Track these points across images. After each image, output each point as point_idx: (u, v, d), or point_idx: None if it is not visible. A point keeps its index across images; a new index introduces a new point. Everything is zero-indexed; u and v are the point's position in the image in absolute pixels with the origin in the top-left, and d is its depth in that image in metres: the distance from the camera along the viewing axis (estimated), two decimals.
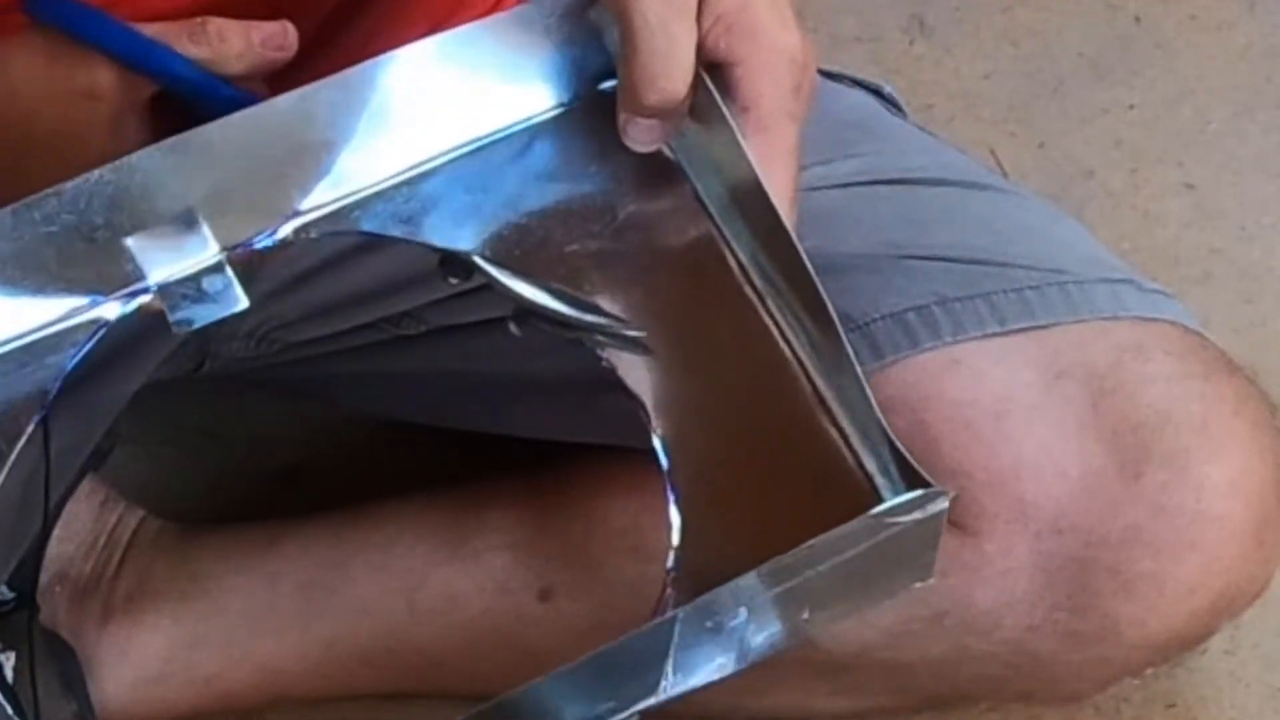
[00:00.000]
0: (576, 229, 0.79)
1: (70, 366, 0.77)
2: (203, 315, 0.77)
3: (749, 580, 0.71)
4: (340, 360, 1.03)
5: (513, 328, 0.81)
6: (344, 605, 1.03)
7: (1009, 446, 0.91)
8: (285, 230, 0.78)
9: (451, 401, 1.05)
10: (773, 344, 0.78)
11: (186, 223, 0.76)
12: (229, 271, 0.77)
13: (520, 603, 1.00)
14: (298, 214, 0.78)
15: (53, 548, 1.05)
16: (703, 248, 0.79)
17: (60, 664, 1.03)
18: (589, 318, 0.78)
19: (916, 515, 0.73)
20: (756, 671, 0.98)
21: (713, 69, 0.78)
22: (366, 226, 0.79)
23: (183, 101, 0.81)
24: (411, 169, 0.79)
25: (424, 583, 1.02)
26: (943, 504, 0.73)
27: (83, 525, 1.07)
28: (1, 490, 0.76)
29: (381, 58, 0.77)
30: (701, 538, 0.75)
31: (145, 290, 0.77)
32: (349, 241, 0.96)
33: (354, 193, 0.79)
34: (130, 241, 0.75)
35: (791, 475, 0.77)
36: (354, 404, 1.13)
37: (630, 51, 0.76)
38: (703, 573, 0.73)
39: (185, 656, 1.04)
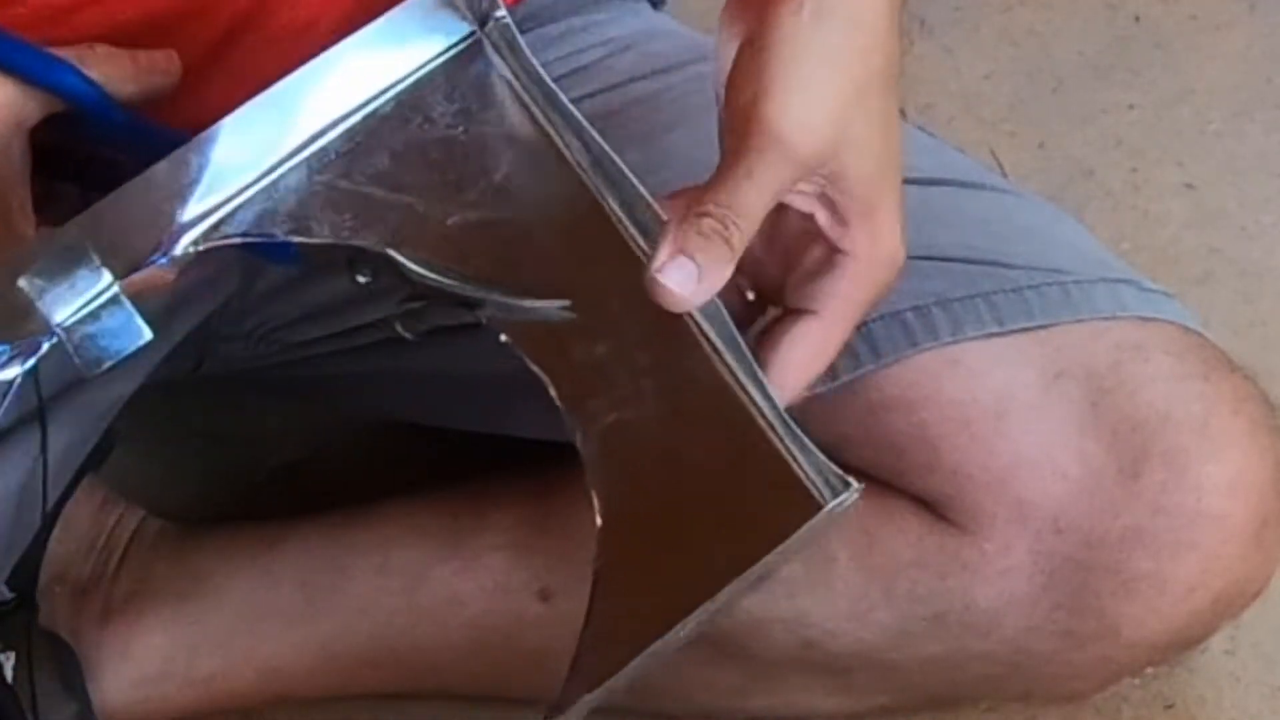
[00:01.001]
0: (453, 200, 0.79)
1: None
2: (110, 352, 0.76)
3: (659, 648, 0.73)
4: (340, 360, 1.03)
5: (399, 328, 0.82)
6: (344, 605, 1.03)
7: (1008, 446, 0.91)
8: (177, 250, 0.77)
9: (451, 402, 1.05)
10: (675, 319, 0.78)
11: (77, 256, 0.75)
12: (127, 304, 0.75)
13: (520, 603, 1.00)
14: (182, 229, 0.77)
15: (53, 548, 1.05)
16: (586, 206, 0.79)
17: (60, 664, 1.03)
18: (506, 299, 0.78)
19: (834, 509, 0.75)
20: (756, 672, 0.98)
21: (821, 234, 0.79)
22: (252, 227, 0.78)
23: (69, 128, 0.81)
24: (283, 161, 0.78)
25: (424, 583, 1.02)
26: (855, 495, 0.75)
27: (83, 525, 1.07)
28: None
29: (249, 105, 0.77)
30: (621, 510, 0.75)
31: (51, 337, 0.75)
32: None
33: (231, 197, 0.78)
34: (23, 282, 0.74)
35: (706, 439, 0.77)
36: (354, 404, 1.13)
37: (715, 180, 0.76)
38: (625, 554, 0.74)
39: (185, 656, 1.04)
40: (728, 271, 0.74)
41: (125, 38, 0.82)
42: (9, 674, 0.99)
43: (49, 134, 0.80)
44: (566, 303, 0.77)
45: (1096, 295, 0.94)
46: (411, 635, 1.02)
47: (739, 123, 0.76)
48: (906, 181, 0.96)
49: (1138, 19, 1.35)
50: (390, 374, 1.04)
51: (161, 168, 0.76)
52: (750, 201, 0.75)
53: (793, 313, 0.79)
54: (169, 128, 0.82)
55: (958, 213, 0.97)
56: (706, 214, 0.74)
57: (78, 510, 1.06)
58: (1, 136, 0.80)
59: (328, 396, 1.12)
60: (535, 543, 1.01)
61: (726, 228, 0.74)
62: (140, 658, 1.04)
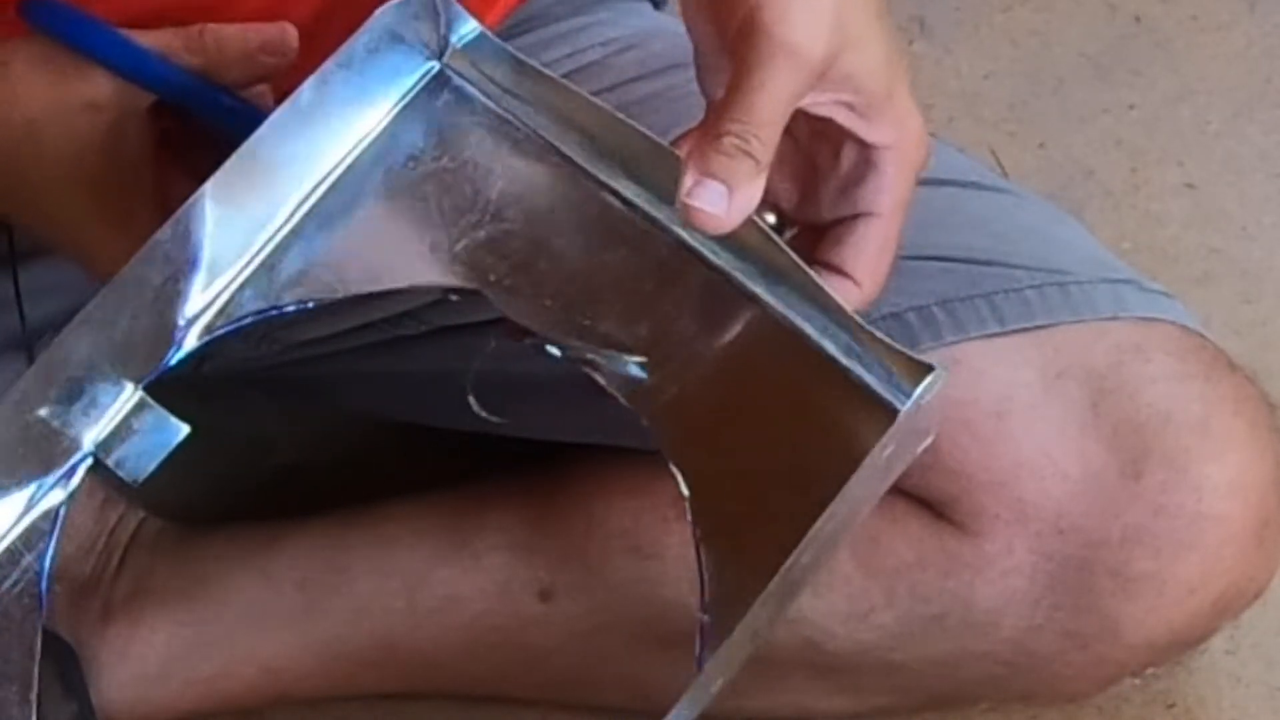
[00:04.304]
0: (455, 226, 0.79)
1: (49, 566, 0.75)
2: (150, 457, 0.76)
3: (771, 589, 0.72)
4: (340, 360, 1.03)
5: (473, 403, 0.82)
6: (344, 605, 1.03)
7: (1009, 447, 0.91)
8: (190, 342, 0.77)
9: (451, 402, 1.05)
10: (714, 286, 0.78)
11: (90, 373, 0.74)
12: (154, 405, 0.76)
13: (520, 603, 1.00)
14: (190, 321, 0.77)
15: None
16: (590, 198, 0.79)
17: (60, 664, 1.03)
18: (587, 353, 0.78)
19: (923, 399, 0.74)
20: (756, 671, 0.98)
21: (846, 138, 0.79)
22: (260, 304, 0.77)
23: (183, 108, 0.81)
24: (275, 233, 0.78)
25: (424, 583, 1.02)
26: (941, 374, 0.74)
27: (83, 525, 1.07)
28: None
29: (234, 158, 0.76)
30: (704, 475, 0.75)
31: (85, 457, 0.75)
32: None
33: (231, 279, 0.77)
34: (44, 412, 0.74)
35: (770, 382, 0.77)
36: (354, 404, 1.13)
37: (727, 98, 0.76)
38: (728, 540, 0.74)
39: (185, 657, 1.04)
40: (758, 186, 0.74)
41: (150, 22, 0.82)
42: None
43: (173, 112, 0.80)
44: (643, 359, 0.77)
45: (1097, 295, 0.94)
46: (412, 636, 1.02)
47: (739, 40, 0.76)
48: None
49: (1138, 19, 1.35)
50: (390, 374, 1.04)
51: (153, 255, 0.75)
52: (766, 111, 0.75)
53: (844, 221, 0.80)
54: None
55: (958, 213, 0.97)
56: (725, 133, 0.74)
57: (78, 510, 1.06)
58: (113, 127, 0.81)
59: (328, 396, 1.12)
60: (535, 543, 1.01)
61: (748, 141, 0.74)
62: (140, 658, 1.04)
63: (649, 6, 1.08)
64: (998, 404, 0.91)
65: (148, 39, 0.81)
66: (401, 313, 1.00)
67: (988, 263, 0.94)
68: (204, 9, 0.85)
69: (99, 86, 0.80)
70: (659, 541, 0.97)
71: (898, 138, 0.79)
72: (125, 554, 1.06)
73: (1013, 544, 0.92)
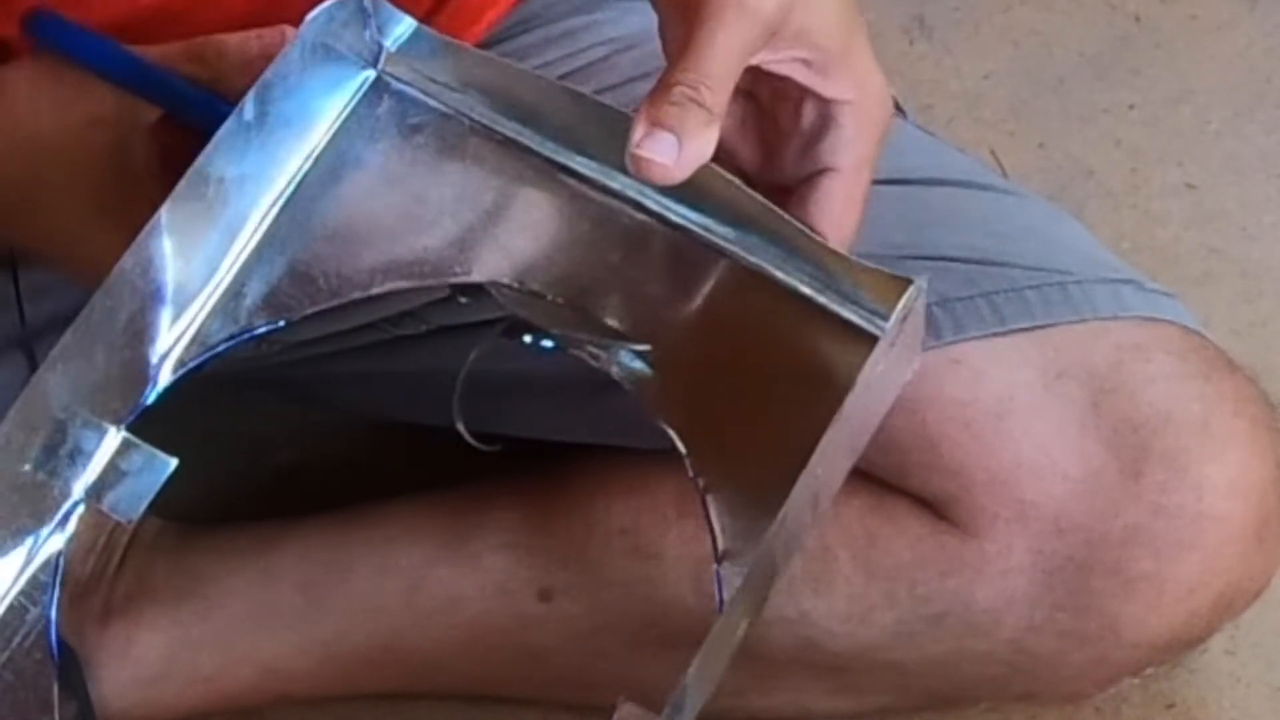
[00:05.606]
0: (415, 225, 0.79)
1: (54, 614, 0.75)
2: (142, 495, 0.76)
3: (783, 518, 0.72)
4: (340, 360, 1.03)
5: (463, 430, 0.82)
6: (344, 605, 1.03)
7: (1009, 446, 0.91)
8: (165, 378, 0.76)
9: (451, 402, 1.05)
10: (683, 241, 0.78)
11: (69, 421, 0.74)
12: (140, 443, 0.75)
13: (520, 603, 1.00)
14: (162, 358, 0.76)
15: None
16: (545, 181, 0.79)
17: (60, 664, 1.03)
18: (597, 346, 0.78)
19: (898, 318, 0.74)
20: (756, 671, 0.98)
21: (806, 96, 0.79)
22: (230, 330, 0.77)
23: (189, 122, 0.81)
24: (234, 261, 0.78)
25: (424, 583, 1.02)
26: (920, 287, 0.75)
27: (83, 525, 1.06)
28: None
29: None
30: (697, 428, 0.75)
31: (77, 504, 0.75)
32: None
33: (201, 307, 0.77)
34: (28, 467, 0.74)
35: (747, 328, 0.77)
36: (354, 404, 1.13)
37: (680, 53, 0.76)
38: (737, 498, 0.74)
39: (185, 656, 1.04)
40: (710, 136, 0.74)
41: (140, 26, 0.82)
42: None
43: (179, 129, 0.80)
44: (647, 347, 0.77)
45: (1097, 295, 0.94)
46: (412, 635, 1.02)
47: None
48: (906, 182, 0.97)
49: (1138, 19, 1.35)
50: (390, 374, 1.04)
51: (118, 286, 0.75)
52: (717, 63, 0.74)
53: (808, 180, 0.80)
54: None
55: (958, 213, 0.97)
56: (675, 83, 0.74)
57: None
58: (117, 144, 0.81)
59: (328, 396, 1.12)
60: (535, 543, 1.01)
61: (698, 91, 0.74)
62: (140, 658, 1.04)
63: (649, 6, 1.08)
64: (998, 404, 0.91)
65: (150, 53, 0.81)
66: (402, 313, 1.00)
67: (988, 263, 0.94)
68: (192, 8, 0.85)
69: (102, 102, 0.80)
70: (659, 541, 0.97)
71: (857, 93, 0.79)
72: (125, 554, 1.06)
73: (1012, 544, 0.92)
